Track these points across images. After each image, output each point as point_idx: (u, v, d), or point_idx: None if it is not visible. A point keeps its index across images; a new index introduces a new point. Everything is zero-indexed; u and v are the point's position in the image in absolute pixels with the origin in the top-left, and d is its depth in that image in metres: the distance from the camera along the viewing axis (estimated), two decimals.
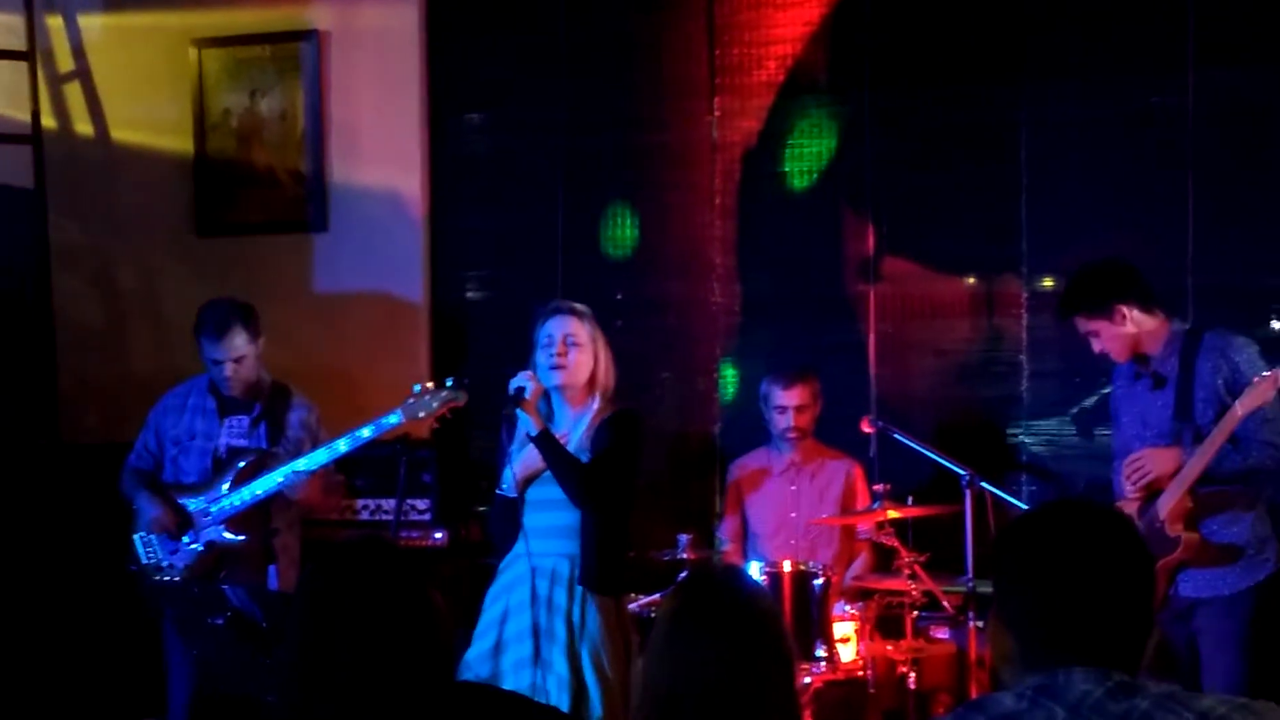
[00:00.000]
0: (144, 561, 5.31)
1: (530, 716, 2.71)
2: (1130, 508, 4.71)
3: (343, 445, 5.07)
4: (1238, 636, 4.65)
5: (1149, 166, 5.85)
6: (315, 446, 5.21)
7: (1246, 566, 4.67)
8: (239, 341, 5.28)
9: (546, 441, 4.42)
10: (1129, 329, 4.73)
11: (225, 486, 5.23)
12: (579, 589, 4.40)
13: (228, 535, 5.25)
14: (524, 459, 4.51)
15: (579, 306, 4.61)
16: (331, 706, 2.52)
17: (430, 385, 4.90)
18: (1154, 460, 4.67)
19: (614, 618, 4.43)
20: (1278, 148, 5.71)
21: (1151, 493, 4.68)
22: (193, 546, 5.26)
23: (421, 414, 4.88)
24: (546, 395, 4.57)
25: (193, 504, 5.28)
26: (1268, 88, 5.70)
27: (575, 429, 4.54)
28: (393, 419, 4.91)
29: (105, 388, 6.74)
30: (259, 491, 5.18)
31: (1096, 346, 4.82)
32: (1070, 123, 5.95)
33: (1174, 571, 4.65)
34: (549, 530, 4.48)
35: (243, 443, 5.36)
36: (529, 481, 4.54)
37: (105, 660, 5.83)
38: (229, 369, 5.29)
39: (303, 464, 5.12)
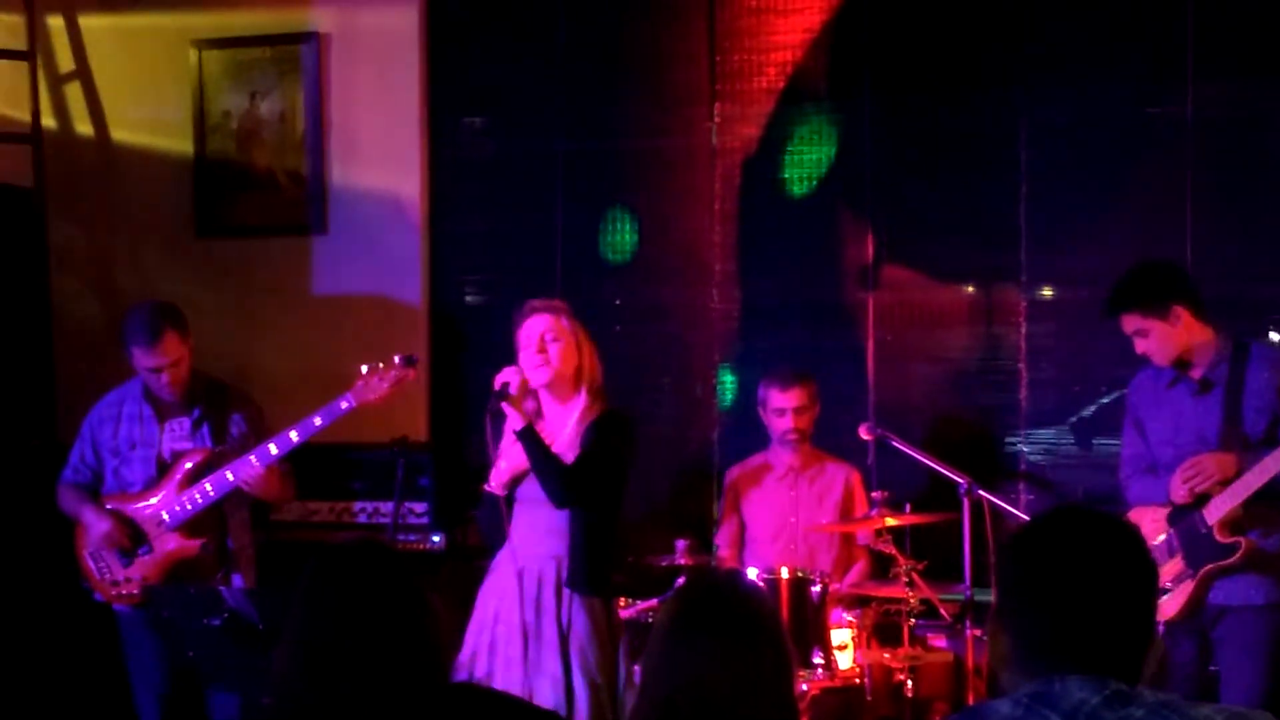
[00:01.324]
0: (99, 579, 5.26)
1: (525, 718, 2.72)
2: (1153, 514, 4.70)
3: (294, 434, 5.06)
4: (1265, 647, 4.64)
5: (1148, 176, 5.85)
6: (259, 441, 5.15)
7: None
8: (172, 345, 5.20)
9: (529, 438, 4.41)
10: (1180, 331, 4.72)
11: (175, 490, 5.18)
12: (566, 590, 4.40)
13: (183, 540, 5.20)
14: (511, 456, 4.51)
15: (554, 303, 4.60)
16: (327, 707, 2.52)
17: (380, 364, 4.99)
18: (1214, 465, 4.62)
19: (602, 619, 4.42)
20: (1276, 158, 5.72)
21: (1197, 499, 4.67)
22: (148, 557, 5.21)
23: (372, 396, 4.99)
24: (535, 394, 4.56)
25: (143, 513, 5.22)
26: (1266, 98, 5.71)
27: (564, 425, 4.53)
28: (343, 404, 5.01)
29: (103, 388, 6.71)
30: (211, 491, 5.13)
31: (1140, 347, 4.78)
32: (1069, 132, 5.95)
33: (1212, 578, 4.64)
34: (537, 529, 4.47)
35: (186, 445, 5.29)
36: (518, 480, 4.54)
37: (102, 658, 5.81)
38: (167, 374, 5.21)
39: (255, 458, 5.07)
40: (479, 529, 4.78)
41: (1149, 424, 4.90)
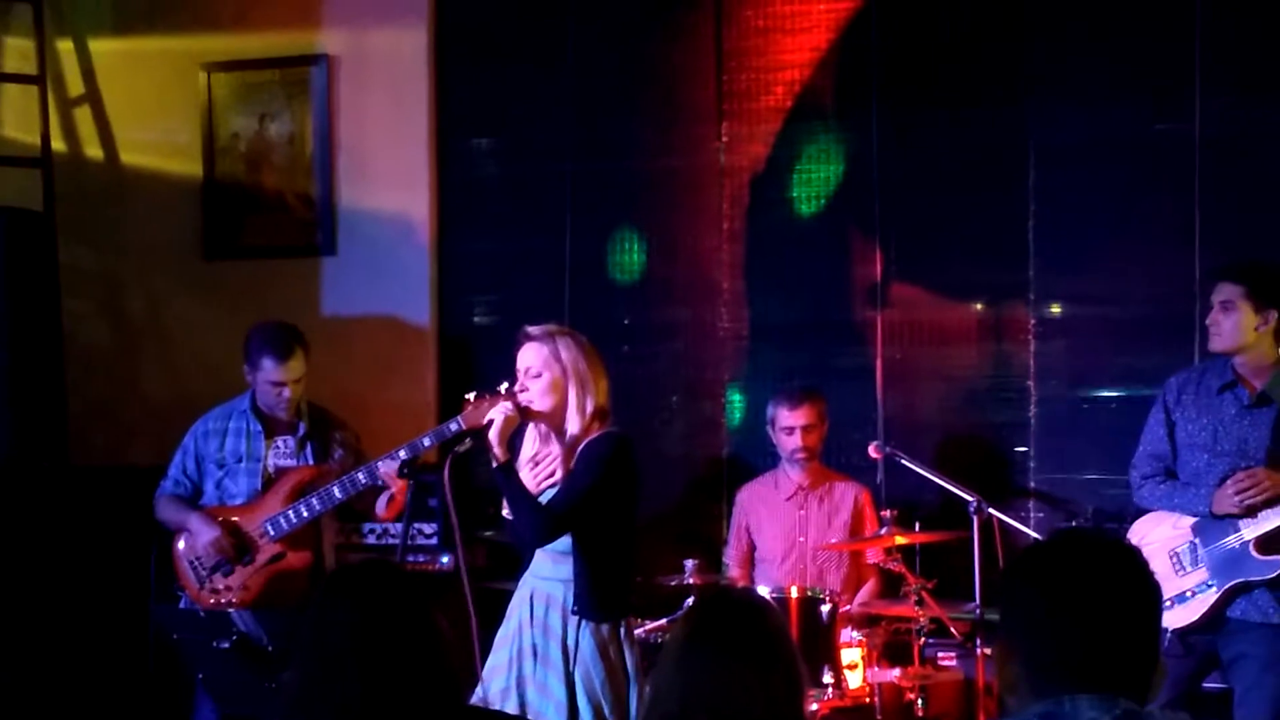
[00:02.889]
0: (197, 587, 5.30)
1: None
2: (1175, 521, 4.68)
3: (404, 452, 5.01)
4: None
5: (1156, 194, 5.85)
6: (359, 462, 5.26)
7: None
8: (300, 362, 5.39)
9: (504, 475, 4.35)
10: (1258, 332, 4.70)
11: (279, 504, 5.29)
12: (573, 615, 4.38)
13: (287, 553, 5.31)
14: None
15: (545, 330, 4.48)
16: None
17: (486, 394, 4.72)
18: (1269, 481, 4.59)
19: (611, 643, 4.39)
20: None
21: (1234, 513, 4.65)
22: (249, 567, 5.29)
23: (480, 420, 4.69)
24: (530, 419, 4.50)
25: (247, 524, 5.31)
26: (1273, 115, 5.70)
27: (559, 453, 4.49)
28: (452, 426, 4.74)
29: (114, 410, 6.75)
30: (317, 505, 5.24)
31: (1213, 319, 4.76)
32: (1077, 149, 5.95)
33: (1237, 593, 4.63)
34: (547, 552, 4.45)
35: (291, 463, 5.45)
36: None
37: (115, 684, 5.82)
38: (289, 390, 5.37)
39: (363, 475, 5.12)
40: (516, 541, 4.69)
41: (1183, 425, 4.85)
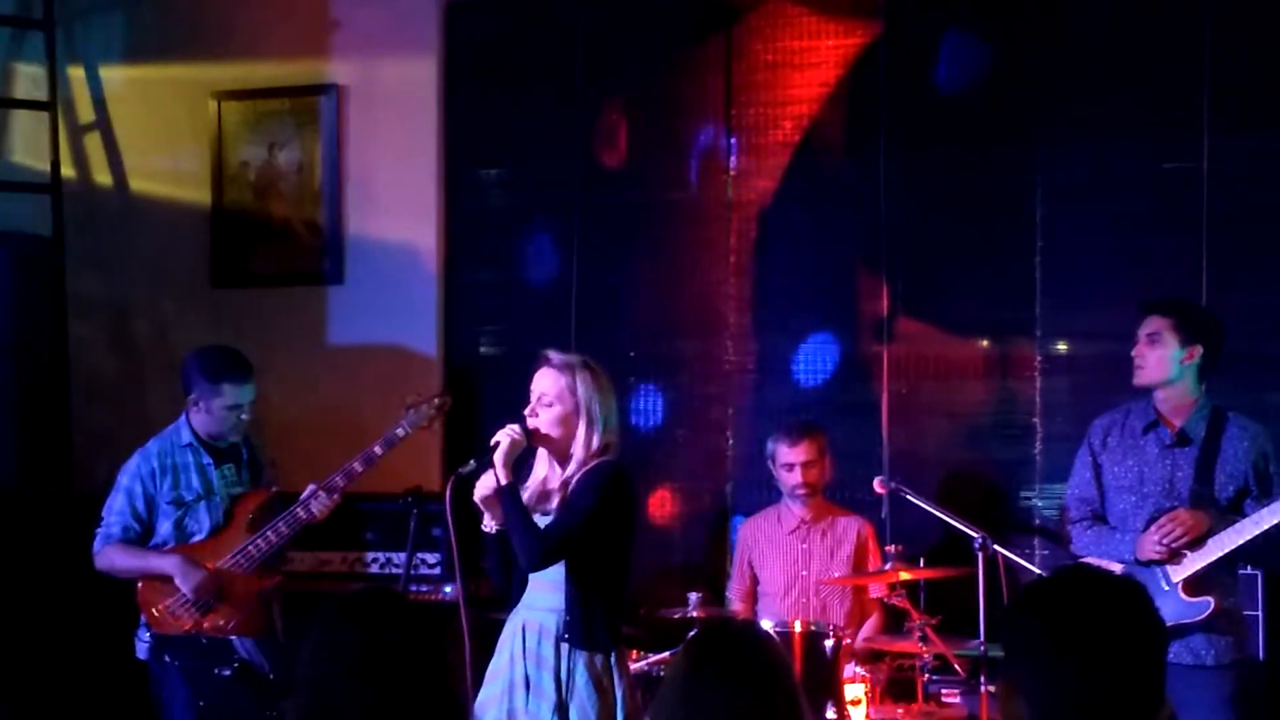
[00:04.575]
0: (174, 629, 5.21)
1: None
2: (1112, 568, 4.67)
3: (358, 465, 5.25)
4: (1230, 706, 4.62)
5: (1163, 231, 5.86)
6: (278, 477, 5.41)
7: (1237, 639, 4.67)
8: (254, 385, 5.35)
9: (508, 498, 4.35)
10: (1179, 365, 4.72)
11: (245, 533, 5.24)
12: (565, 644, 4.36)
13: (259, 581, 5.27)
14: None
15: (563, 359, 4.49)
16: None
17: (419, 394, 5.40)
18: (1191, 522, 4.61)
19: (604, 674, 4.38)
20: None
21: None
22: (225, 604, 5.23)
23: (424, 423, 5.39)
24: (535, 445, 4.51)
25: (220, 559, 5.24)
26: None
27: (558, 483, 4.49)
28: (399, 432, 5.33)
29: (118, 437, 6.73)
30: (285, 530, 5.23)
31: (1138, 351, 4.79)
32: (1084, 186, 5.96)
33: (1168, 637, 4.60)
34: (539, 581, 4.43)
35: (240, 489, 5.38)
36: None
37: (117, 711, 5.80)
38: (247, 413, 5.33)
39: (325, 493, 5.22)
40: (490, 580, 4.72)
41: (1109, 468, 4.88)
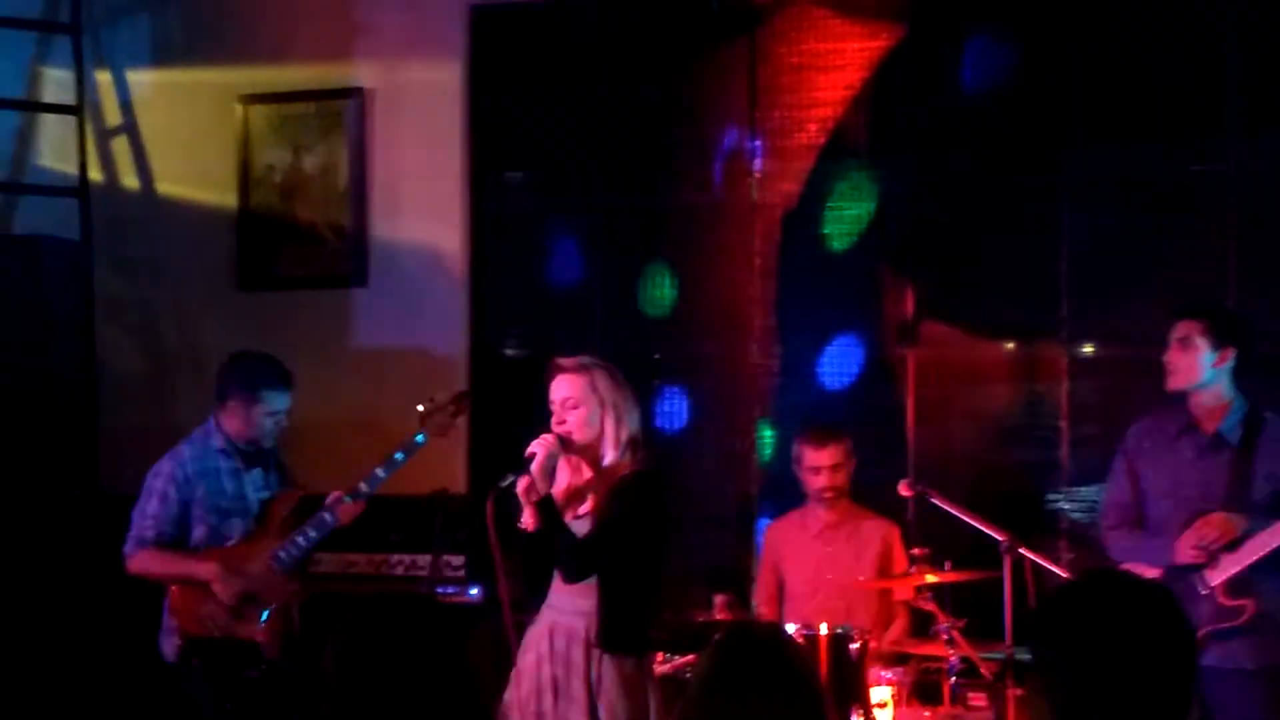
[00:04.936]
0: (227, 636, 5.23)
1: None
2: (1150, 572, 4.65)
3: (381, 472, 5.27)
4: (1262, 712, 4.58)
5: (1190, 233, 5.83)
6: (296, 483, 5.46)
7: (1277, 642, 4.63)
8: (293, 393, 5.42)
9: (546, 511, 4.36)
10: (1211, 369, 4.71)
11: (278, 537, 5.28)
12: (595, 649, 4.36)
13: (291, 585, 5.32)
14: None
15: (578, 361, 4.52)
16: None
17: (434, 398, 5.32)
18: (1226, 525, 4.59)
19: (633, 677, 4.38)
20: None
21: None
22: (259, 607, 5.25)
23: (442, 430, 5.33)
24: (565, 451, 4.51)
25: (256, 563, 5.26)
26: None
27: (590, 486, 4.49)
28: (419, 439, 5.26)
29: (146, 439, 6.75)
30: (314, 534, 5.27)
31: (1169, 356, 4.79)
32: (1110, 189, 5.94)
33: (1207, 641, 4.59)
34: (565, 585, 4.44)
35: (268, 493, 5.43)
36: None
37: (144, 711, 5.83)
38: (284, 420, 5.37)
39: (350, 497, 5.26)
40: (515, 580, 4.71)
41: (1146, 473, 4.87)
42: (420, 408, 5.31)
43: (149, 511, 5.32)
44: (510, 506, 4.42)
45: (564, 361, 4.52)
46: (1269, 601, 4.64)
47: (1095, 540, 5.69)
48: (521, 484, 4.37)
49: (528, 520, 4.42)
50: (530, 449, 4.38)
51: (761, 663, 2.71)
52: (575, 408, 4.43)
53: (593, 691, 4.33)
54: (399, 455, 5.26)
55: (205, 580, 5.23)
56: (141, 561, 5.30)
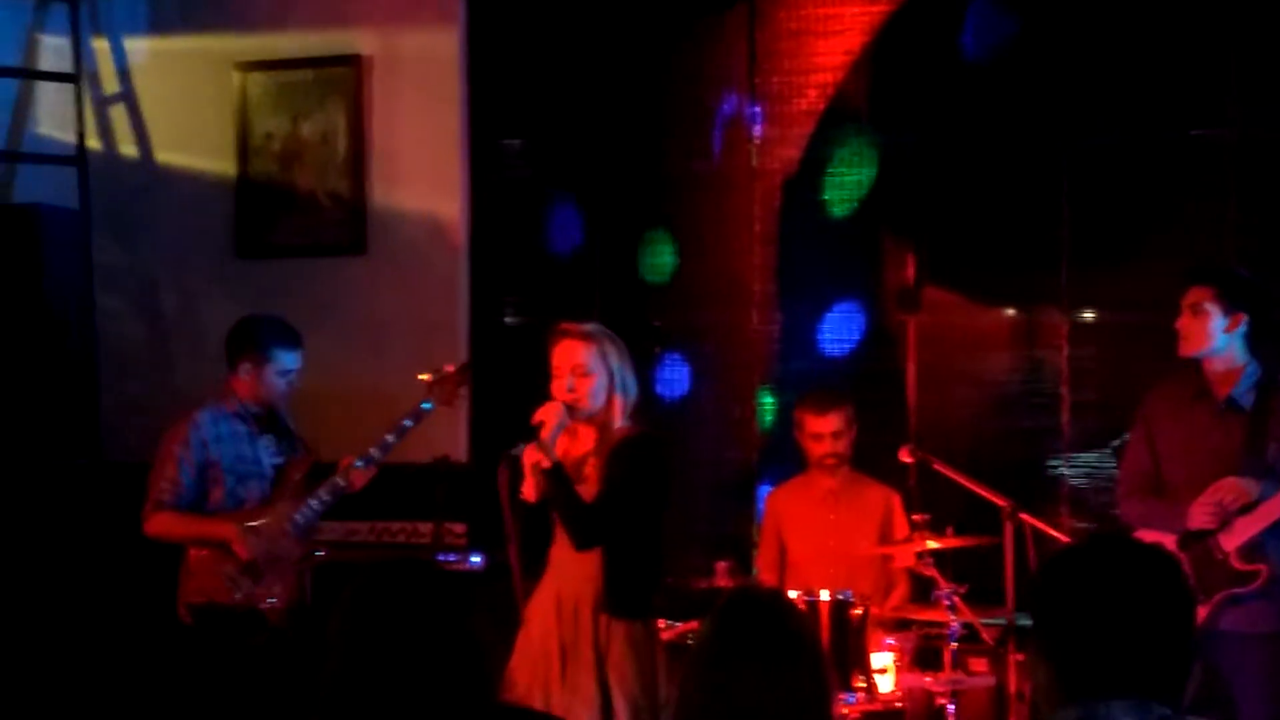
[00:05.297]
0: (233, 597, 5.25)
1: None
2: (1157, 539, 4.65)
3: (391, 438, 5.29)
4: (1277, 676, 4.60)
5: (1191, 199, 5.82)
6: (308, 448, 5.47)
7: None
8: (303, 351, 5.44)
9: (555, 479, 4.35)
10: (1223, 334, 4.70)
11: (292, 501, 5.31)
12: (603, 613, 4.37)
13: (306, 549, 5.37)
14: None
15: (586, 328, 4.51)
16: None
17: (434, 372, 5.34)
18: (1240, 489, 4.58)
19: (642, 639, 4.39)
20: None
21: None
22: (277, 570, 5.28)
23: (448, 399, 5.37)
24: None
25: (275, 526, 5.28)
26: None
27: (592, 450, 4.49)
28: (425, 406, 5.31)
29: (147, 407, 6.77)
30: (327, 498, 5.30)
31: (1181, 323, 4.76)
32: (1111, 153, 5.93)
33: (1223, 605, 4.60)
34: (570, 551, 4.44)
35: (280, 460, 5.44)
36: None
37: (149, 681, 5.85)
38: (296, 380, 5.39)
39: (361, 462, 5.30)
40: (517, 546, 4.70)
41: (1161, 438, 4.86)
42: (422, 377, 5.33)
43: (166, 474, 5.34)
44: (512, 476, 4.42)
45: (570, 327, 4.50)
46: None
47: (1100, 506, 5.73)
48: (527, 454, 4.36)
49: (528, 490, 4.42)
50: (537, 416, 4.38)
51: (763, 628, 2.72)
52: (584, 375, 4.42)
53: (600, 655, 4.34)
54: (407, 422, 5.28)
55: (224, 540, 5.25)
56: (160, 523, 5.32)
